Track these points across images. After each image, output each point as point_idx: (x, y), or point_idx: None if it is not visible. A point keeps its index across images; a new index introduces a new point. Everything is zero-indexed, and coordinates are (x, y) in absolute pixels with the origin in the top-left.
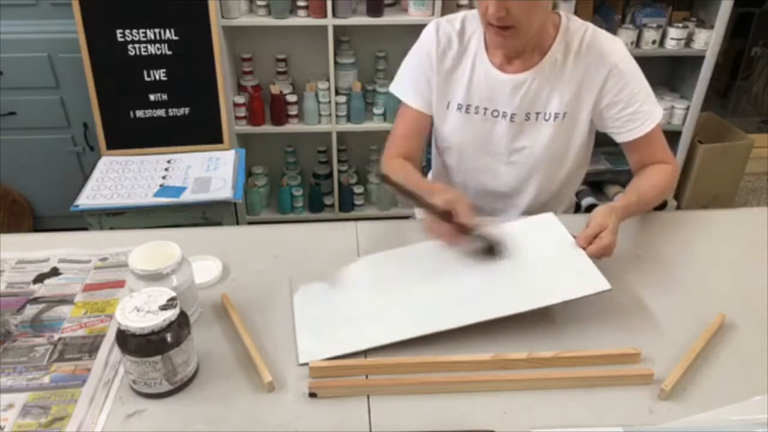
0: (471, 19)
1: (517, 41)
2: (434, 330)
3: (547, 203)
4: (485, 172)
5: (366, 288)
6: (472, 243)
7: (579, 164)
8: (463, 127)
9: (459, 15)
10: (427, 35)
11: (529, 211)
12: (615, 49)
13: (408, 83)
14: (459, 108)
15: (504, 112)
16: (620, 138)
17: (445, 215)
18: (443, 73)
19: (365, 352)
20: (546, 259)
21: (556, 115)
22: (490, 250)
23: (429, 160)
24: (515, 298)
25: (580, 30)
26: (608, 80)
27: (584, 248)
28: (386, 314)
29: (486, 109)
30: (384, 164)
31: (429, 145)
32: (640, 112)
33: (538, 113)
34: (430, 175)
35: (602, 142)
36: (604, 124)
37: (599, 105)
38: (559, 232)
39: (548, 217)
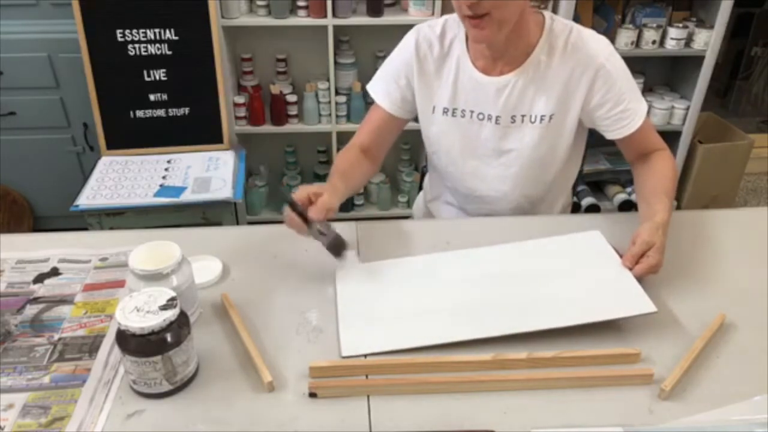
0: (452, 24)
1: (495, 31)
2: (476, 336)
3: (539, 204)
4: (473, 176)
5: (413, 287)
6: (314, 237)
7: (569, 164)
8: (450, 130)
9: (440, 20)
10: (406, 43)
11: (521, 214)
12: (601, 48)
13: (381, 85)
14: (445, 112)
15: (489, 115)
16: (611, 135)
17: (295, 206)
18: (425, 79)
19: (365, 353)
20: (591, 277)
21: (542, 118)
22: (332, 247)
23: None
24: (558, 312)
25: (564, 30)
26: (596, 81)
27: (630, 268)
28: (432, 315)
29: (472, 111)
30: (344, 148)
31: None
32: (628, 110)
33: (523, 116)
34: (426, 178)
35: (602, 143)
36: (594, 123)
37: (588, 105)
38: (605, 250)
39: (594, 235)
